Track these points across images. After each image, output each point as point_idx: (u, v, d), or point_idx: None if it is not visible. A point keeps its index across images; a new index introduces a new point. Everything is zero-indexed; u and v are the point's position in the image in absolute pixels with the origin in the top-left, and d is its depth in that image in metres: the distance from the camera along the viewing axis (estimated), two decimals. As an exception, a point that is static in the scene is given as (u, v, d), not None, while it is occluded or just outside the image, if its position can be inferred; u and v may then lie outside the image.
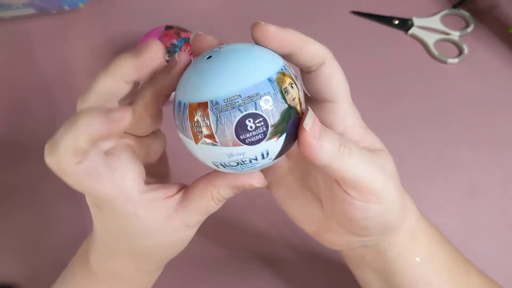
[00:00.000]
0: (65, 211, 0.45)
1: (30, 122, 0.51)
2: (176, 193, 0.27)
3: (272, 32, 0.23)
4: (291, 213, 0.30)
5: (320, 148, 0.23)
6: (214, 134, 0.21)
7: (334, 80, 0.26)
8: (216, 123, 0.21)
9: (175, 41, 0.45)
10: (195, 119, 0.22)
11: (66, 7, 0.57)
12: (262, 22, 0.23)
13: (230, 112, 0.21)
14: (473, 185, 0.46)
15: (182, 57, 0.24)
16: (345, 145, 0.24)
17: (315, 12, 0.58)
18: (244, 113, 0.21)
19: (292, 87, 0.23)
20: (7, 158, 0.49)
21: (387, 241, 0.29)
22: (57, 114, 0.51)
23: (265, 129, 0.21)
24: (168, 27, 0.47)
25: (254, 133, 0.21)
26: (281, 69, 0.23)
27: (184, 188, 0.27)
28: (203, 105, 0.21)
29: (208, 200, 0.26)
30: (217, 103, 0.21)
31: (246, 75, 0.21)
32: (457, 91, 0.52)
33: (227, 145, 0.21)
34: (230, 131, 0.21)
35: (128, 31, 0.56)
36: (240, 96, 0.21)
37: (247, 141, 0.21)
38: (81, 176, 0.23)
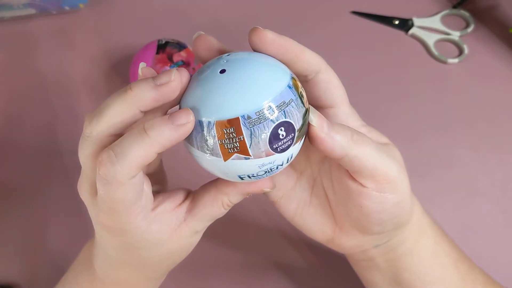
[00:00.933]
0: (65, 211, 0.45)
1: (30, 121, 0.51)
2: (183, 201, 0.27)
3: (270, 37, 0.23)
4: (303, 225, 0.30)
5: (332, 139, 0.23)
6: (248, 148, 0.21)
7: (332, 85, 0.26)
8: (250, 137, 0.21)
9: (167, 68, 0.45)
10: (225, 136, 0.21)
11: (67, 7, 0.57)
12: (260, 28, 0.23)
13: (263, 124, 0.21)
14: (473, 185, 0.46)
15: (184, 77, 0.23)
16: (358, 133, 0.24)
17: (315, 12, 0.58)
18: (276, 123, 0.21)
19: (303, 89, 0.23)
20: (7, 158, 0.49)
21: (398, 237, 0.29)
22: (56, 113, 0.51)
23: (293, 134, 0.22)
24: (160, 47, 0.47)
25: (284, 140, 0.22)
26: (291, 75, 0.23)
27: (190, 194, 0.27)
28: (234, 121, 0.21)
29: (218, 208, 0.26)
30: (249, 117, 0.21)
31: (270, 85, 0.22)
32: (457, 91, 0.52)
33: (260, 157, 0.22)
34: (264, 143, 0.21)
35: (127, 32, 0.56)
36: (270, 107, 0.21)
37: (278, 149, 0.22)
38: (129, 193, 0.23)
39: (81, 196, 0.26)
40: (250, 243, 0.43)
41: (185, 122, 0.21)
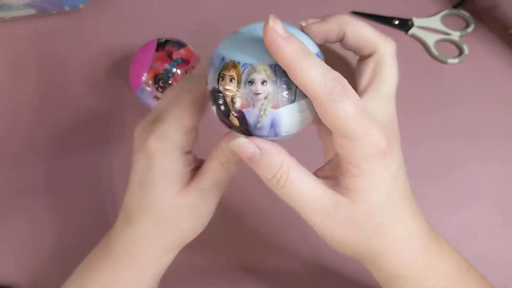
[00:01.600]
0: (66, 211, 0.45)
1: (30, 122, 0.51)
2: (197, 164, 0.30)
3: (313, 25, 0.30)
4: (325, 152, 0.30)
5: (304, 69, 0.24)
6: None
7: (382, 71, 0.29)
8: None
9: (167, 66, 0.46)
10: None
11: (67, 8, 0.57)
12: (304, 21, 0.30)
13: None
14: (473, 185, 0.46)
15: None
16: (342, 85, 0.23)
17: (315, 12, 0.58)
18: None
19: (231, 81, 0.23)
20: (7, 158, 0.49)
21: (374, 265, 0.28)
22: (57, 113, 0.51)
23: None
24: (160, 45, 0.47)
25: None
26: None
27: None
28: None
29: (215, 160, 0.28)
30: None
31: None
32: (457, 91, 0.52)
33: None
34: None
35: (127, 32, 0.56)
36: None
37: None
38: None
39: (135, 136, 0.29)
40: (250, 247, 0.43)
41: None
